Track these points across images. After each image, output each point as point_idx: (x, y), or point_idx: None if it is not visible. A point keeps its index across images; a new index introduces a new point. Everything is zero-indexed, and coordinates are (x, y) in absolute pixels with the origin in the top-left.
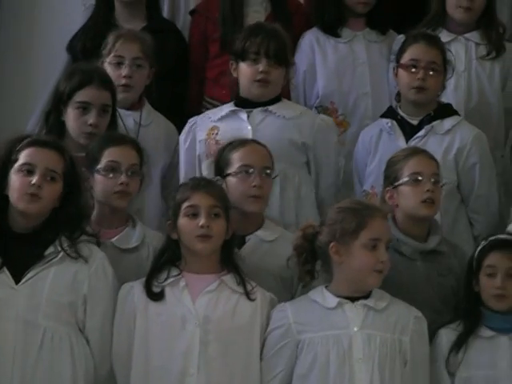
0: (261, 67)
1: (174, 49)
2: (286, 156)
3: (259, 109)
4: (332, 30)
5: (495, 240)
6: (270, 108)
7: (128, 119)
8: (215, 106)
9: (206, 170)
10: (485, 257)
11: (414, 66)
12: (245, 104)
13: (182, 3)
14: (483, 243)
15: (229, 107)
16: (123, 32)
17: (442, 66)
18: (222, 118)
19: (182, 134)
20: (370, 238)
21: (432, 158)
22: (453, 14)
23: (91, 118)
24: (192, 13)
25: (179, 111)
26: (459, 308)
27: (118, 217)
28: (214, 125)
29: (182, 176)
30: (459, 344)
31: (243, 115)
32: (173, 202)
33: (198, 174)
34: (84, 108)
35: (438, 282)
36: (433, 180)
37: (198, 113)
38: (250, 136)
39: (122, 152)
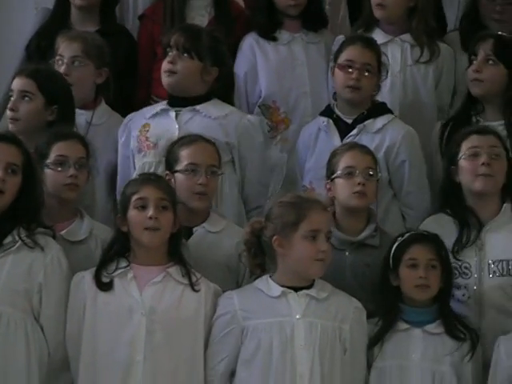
0: (168, 58)
1: (125, 51)
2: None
3: (188, 108)
4: (268, 33)
5: (415, 234)
6: (198, 107)
7: (80, 118)
8: None
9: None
10: (405, 250)
11: (350, 67)
12: (176, 102)
13: (130, 8)
14: (400, 239)
15: (161, 105)
16: (67, 33)
17: (377, 67)
18: (153, 116)
19: (120, 129)
20: (310, 229)
21: (367, 152)
22: (374, 13)
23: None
24: (140, 17)
25: (129, 110)
26: (379, 304)
27: (66, 210)
28: (146, 122)
29: (119, 169)
30: (377, 339)
31: (172, 114)
32: (123, 196)
33: (131, 169)
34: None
35: (363, 273)
36: (365, 173)
37: None
38: (176, 134)
39: (69, 146)
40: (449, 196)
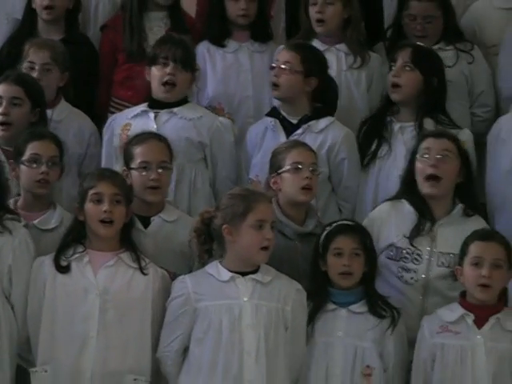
0: (168, 70)
1: (87, 57)
2: (183, 153)
3: (165, 110)
4: (219, 41)
5: (341, 225)
6: (175, 110)
7: None
8: (121, 106)
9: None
10: (332, 240)
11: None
12: (156, 105)
13: (91, 19)
14: (328, 228)
15: (142, 107)
16: (35, 40)
17: (303, 67)
18: (134, 116)
19: (104, 127)
20: (256, 219)
21: (311, 150)
22: (315, 28)
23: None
24: (102, 27)
25: (91, 110)
26: (310, 287)
27: (40, 202)
28: (128, 122)
29: (103, 165)
30: (310, 318)
31: (151, 115)
32: (80, 189)
33: (115, 164)
34: None
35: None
36: (311, 169)
37: (107, 112)
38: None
39: (42, 145)
40: (408, 186)
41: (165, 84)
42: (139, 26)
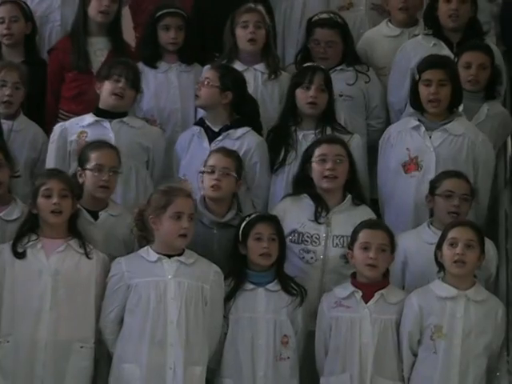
0: (120, 84)
1: (42, 76)
2: (135, 155)
3: (117, 120)
4: (152, 63)
5: (260, 215)
6: (124, 120)
7: (4, 126)
8: (70, 117)
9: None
10: (253, 226)
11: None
12: (105, 114)
13: (46, 43)
14: (248, 218)
15: (91, 117)
16: (6, 63)
17: (220, 83)
18: (88, 125)
19: (53, 135)
20: (175, 211)
21: (228, 155)
22: (243, 46)
23: None
24: (50, 50)
25: (40, 122)
26: (231, 268)
27: (1, 198)
28: (83, 130)
29: (55, 166)
30: (229, 296)
31: (106, 124)
32: (33, 186)
33: (67, 166)
34: None
35: (226, 246)
36: (221, 172)
37: (55, 122)
38: (113, 140)
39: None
40: (300, 185)
41: (116, 94)
42: (85, 48)
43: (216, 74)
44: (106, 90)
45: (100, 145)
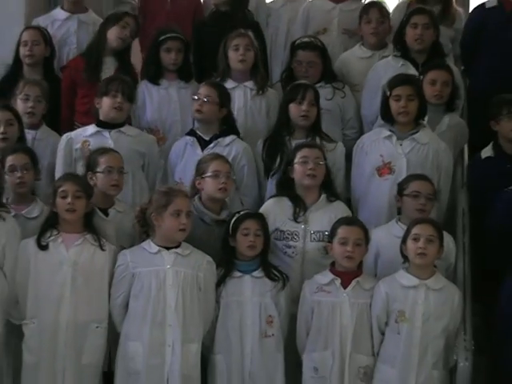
0: (118, 99)
1: (59, 93)
2: (132, 160)
3: (115, 130)
4: (154, 80)
5: (248, 212)
6: (122, 129)
7: (28, 135)
8: None
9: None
10: (241, 222)
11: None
12: (105, 126)
13: (64, 63)
14: (237, 214)
15: (93, 128)
16: (28, 79)
17: (219, 100)
18: (91, 135)
19: (60, 144)
20: (175, 209)
21: (227, 161)
22: (235, 66)
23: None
24: (63, 68)
25: (57, 130)
26: (221, 258)
27: (25, 198)
28: (86, 139)
29: (63, 169)
30: (220, 282)
31: (106, 134)
32: (53, 188)
33: (73, 170)
34: None
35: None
36: (227, 175)
37: (70, 131)
38: (112, 147)
39: (15, 157)
40: (284, 187)
41: (115, 108)
42: (97, 67)
43: (216, 92)
44: (105, 105)
45: (106, 150)
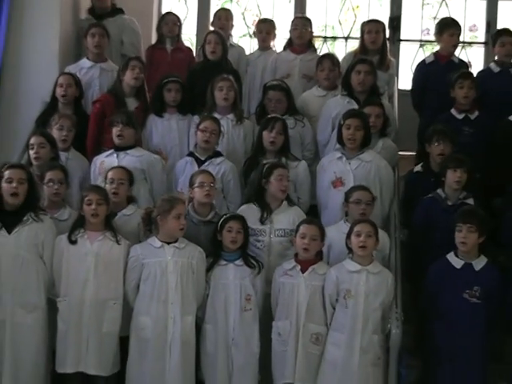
0: (119, 128)
1: (86, 125)
2: (136, 175)
3: (122, 152)
4: (159, 113)
5: (232, 214)
6: (128, 151)
7: (62, 156)
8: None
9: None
10: (226, 222)
11: (202, 130)
12: (117, 149)
13: (89, 102)
14: (224, 216)
15: (109, 151)
16: (63, 114)
17: (218, 130)
18: (106, 156)
19: (92, 164)
20: (176, 213)
21: (210, 174)
22: (219, 103)
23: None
24: (94, 102)
25: (85, 154)
26: (210, 250)
27: (56, 204)
28: (103, 159)
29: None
30: (209, 268)
31: (115, 155)
32: (80, 197)
33: (100, 183)
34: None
35: (209, 236)
36: (211, 185)
37: (94, 155)
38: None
39: (53, 173)
40: (258, 196)
41: (118, 136)
42: (123, 102)
43: (217, 126)
44: (113, 134)
45: (113, 167)
